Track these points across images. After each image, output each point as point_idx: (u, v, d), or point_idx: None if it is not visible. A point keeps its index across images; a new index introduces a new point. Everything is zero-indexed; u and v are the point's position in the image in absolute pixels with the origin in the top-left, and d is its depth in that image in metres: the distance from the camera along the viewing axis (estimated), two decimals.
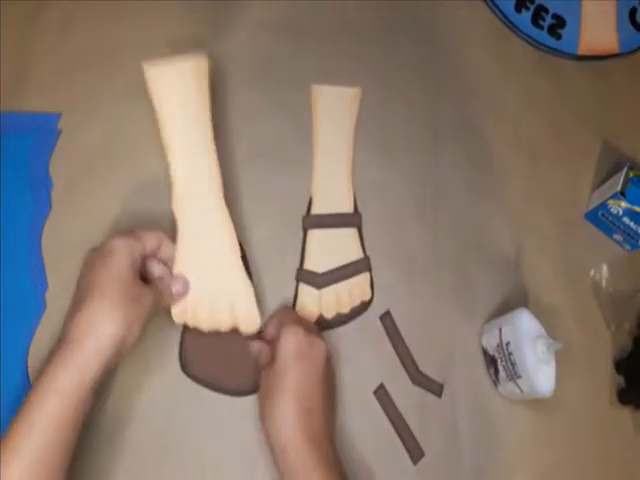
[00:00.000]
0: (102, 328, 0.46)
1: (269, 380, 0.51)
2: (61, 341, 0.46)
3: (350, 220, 0.64)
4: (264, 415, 0.50)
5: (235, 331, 0.55)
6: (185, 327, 0.57)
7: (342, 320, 0.61)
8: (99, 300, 0.47)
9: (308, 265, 0.61)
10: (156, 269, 0.54)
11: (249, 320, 0.55)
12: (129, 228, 0.53)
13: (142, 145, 0.64)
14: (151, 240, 0.53)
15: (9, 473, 0.42)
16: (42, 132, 0.63)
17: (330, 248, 0.62)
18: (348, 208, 0.64)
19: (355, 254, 0.63)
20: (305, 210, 0.64)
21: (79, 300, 0.48)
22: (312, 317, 0.60)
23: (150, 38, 0.67)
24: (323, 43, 0.70)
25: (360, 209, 0.64)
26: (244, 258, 0.57)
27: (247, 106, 0.66)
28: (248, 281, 0.55)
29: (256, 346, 0.53)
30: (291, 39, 0.69)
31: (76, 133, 0.63)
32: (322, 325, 0.60)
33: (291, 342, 0.51)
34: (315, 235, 0.63)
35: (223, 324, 0.55)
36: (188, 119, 0.55)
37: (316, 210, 0.64)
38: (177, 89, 0.55)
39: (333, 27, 0.71)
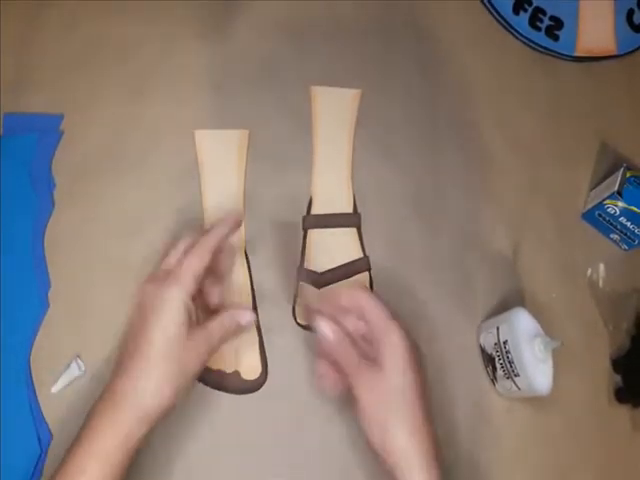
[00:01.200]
0: (147, 400, 0.44)
1: (385, 389, 0.45)
2: (104, 399, 0.45)
3: (350, 220, 0.64)
4: (380, 428, 0.45)
5: (236, 374, 0.57)
6: None
7: None
8: (146, 366, 0.44)
9: (308, 265, 0.62)
10: (215, 297, 0.51)
11: (250, 368, 0.58)
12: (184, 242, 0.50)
13: (144, 145, 0.64)
14: (199, 267, 0.47)
15: None
16: (45, 133, 0.63)
17: (330, 248, 0.63)
18: (348, 208, 0.65)
19: (355, 254, 0.63)
20: (305, 210, 0.64)
21: (127, 357, 0.45)
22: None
23: (151, 38, 0.68)
24: (323, 43, 0.70)
25: (360, 209, 0.65)
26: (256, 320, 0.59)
27: (247, 106, 0.67)
28: (254, 332, 0.58)
29: (331, 328, 0.47)
30: (291, 39, 0.70)
31: (78, 134, 0.64)
32: None
33: (406, 348, 0.46)
34: (315, 235, 0.63)
35: (228, 365, 0.58)
36: (225, 179, 0.63)
37: (316, 210, 0.64)
38: (221, 152, 0.64)
39: (333, 28, 0.71)
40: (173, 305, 0.45)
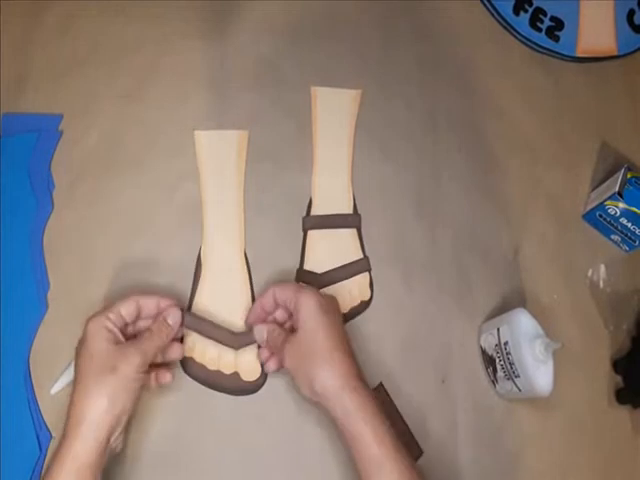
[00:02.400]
0: (90, 414, 0.47)
1: (299, 345, 0.52)
2: (62, 436, 0.47)
3: (349, 221, 0.64)
4: (312, 377, 0.50)
5: (235, 375, 0.57)
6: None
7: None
8: (81, 386, 0.48)
9: (308, 265, 0.62)
10: (142, 324, 0.54)
11: (249, 369, 0.58)
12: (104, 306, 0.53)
13: (143, 145, 0.64)
14: (126, 306, 0.52)
15: None
16: (44, 133, 0.63)
17: (330, 248, 0.63)
18: (347, 209, 0.65)
19: (354, 254, 0.63)
20: (305, 211, 0.64)
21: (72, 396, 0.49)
22: None
23: (151, 38, 0.68)
24: (323, 43, 0.70)
25: (360, 209, 0.65)
26: None
27: (247, 106, 0.66)
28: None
29: (262, 328, 0.55)
30: (291, 39, 0.70)
31: (77, 134, 0.63)
32: None
33: (313, 300, 0.52)
34: (315, 236, 0.63)
35: (226, 368, 0.57)
36: (225, 179, 0.63)
37: (316, 211, 0.64)
38: (221, 152, 0.64)
39: (333, 28, 0.71)
40: (92, 327, 0.50)
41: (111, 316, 0.51)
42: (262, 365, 0.57)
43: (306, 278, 0.61)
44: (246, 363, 0.58)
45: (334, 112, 0.67)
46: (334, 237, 0.63)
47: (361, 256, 0.63)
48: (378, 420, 0.49)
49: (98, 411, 0.47)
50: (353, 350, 0.53)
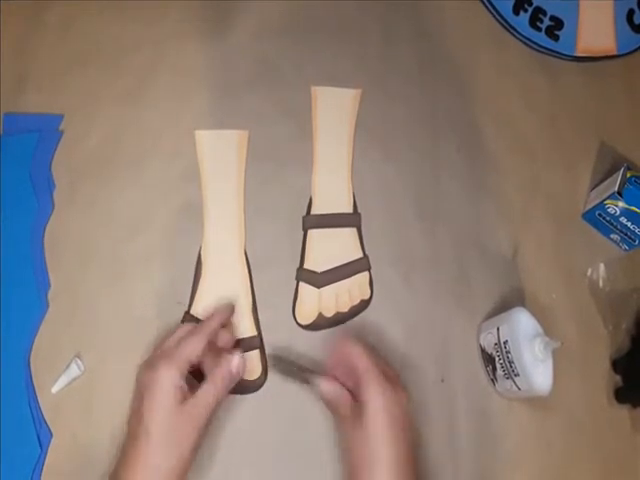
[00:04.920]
0: (156, 471, 0.47)
1: (360, 448, 0.48)
2: (117, 476, 0.47)
3: (350, 220, 0.64)
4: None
5: None
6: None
7: (341, 319, 0.61)
8: (148, 439, 0.47)
9: (308, 265, 0.62)
10: (208, 365, 0.53)
11: (250, 368, 0.58)
12: (174, 341, 0.52)
13: (143, 145, 0.64)
14: (197, 351, 0.51)
15: None
16: (44, 133, 0.63)
17: (330, 248, 0.63)
18: (348, 208, 0.65)
19: (355, 253, 0.63)
20: (305, 210, 0.64)
21: (128, 444, 0.48)
22: (312, 315, 0.60)
23: (151, 38, 0.68)
24: (323, 43, 0.70)
25: (360, 209, 0.65)
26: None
27: (247, 106, 0.66)
28: (255, 332, 0.59)
29: (331, 390, 0.52)
30: (291, 39, 0.70)
31: (78, 134, 0.64)
32: (321, 324, 0.60)
33: (380, 401, 0.48)
34: (315, 235, 0.63)
35: None
36: (225, 179, 0.63)
37: (316, 210, 0.64)
38: (221, 152, 0.64)
39: (333, 27, 0.71)
40: (163, 386, 0.48)
41: (183, 369, 0.49)
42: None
43: (306, 277, 0.61)
44: (246, 362, 0.58)
45: (334, 111, 0.67)
46: (334, 236, 0.63)
47: (361, 255, 0.63)
48: None
49: (170, 468, 0.47)
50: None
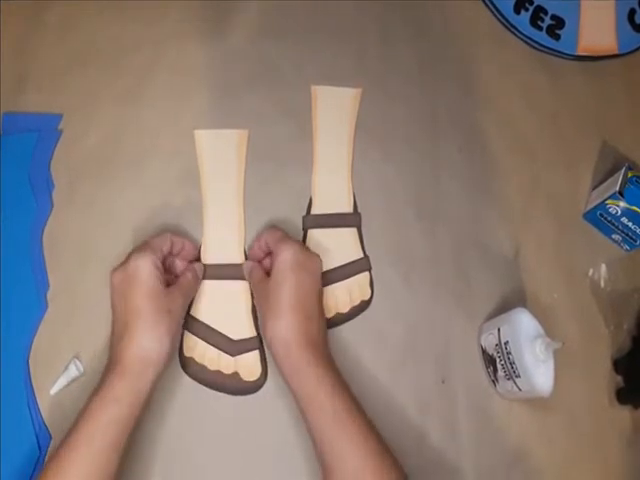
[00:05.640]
0: (151, 350, 0.49)
1: (267, 292, 0.53)
2: (113, 367, 0.49)
3: (350, 220, 0.64)
4: (265, 324, 0.52)
5: (236, 375, 0.58)
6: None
7: (342, 319, 0.61)
8: (141, 323, 0.49)
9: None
10: (178, 265, 0.58)
11: (250, 369, 0.58)
12: (141, 241, 0.55)
13: (143, 145, 0.64)
14: (162, 243, 0.55)
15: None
16: (44, 133, 0.63)
17: (330, 248, 0.62)
18: (348, 208, 0.64)
19: (355, 254, 0.63)
20: (305, 210, 0.64)
21: (122, 326, 0.50)
22: None
23: (151, 38, 0.68)
24: (323, 43, 0.70)
25: (360, 209, 0.65)
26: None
27: (247, 106, 0.66)
28: (254, 333, 0.59)
29: (248, 265, 0.58)
30: (291, 39, 0.70)
31: (77, 133, 0.64)
32: None
33: (289, 255, 0.53)
34: (315, 235, 0.63)
35: (226, 368, 0.58)
36: (225, 178, 0.64)
37: (316, 210, 0.64)
38: (221, 151, 0.64)
39: (333, 27, 0.71)
40: (146, 267, 0.51)
41: (157, 254, 0.53)
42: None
43: None
44: (246, 363, 0.58)
45: (334, 111, 0.67)
46: (334, 236, 0.63)
47: (361, 255, 0.63)
48: (330, 379, 0.50)
49: (164, 349, 0.50)
50: (323, 320, 0.54)
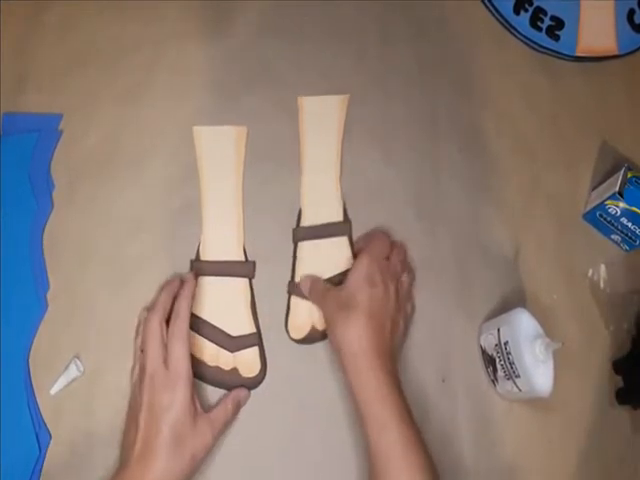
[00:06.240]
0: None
1: (341, 296, 0.55)
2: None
3: (340, 229, 0.63)
4: (336, 324, 0.54)
5: (235, 371, 0.58)
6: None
7: None
8: (159, 456, 0.49)
9: (299, 278, 0.61)
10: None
11: (249, 365, 0.58)
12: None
13: (143, 145, 0.64)
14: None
15: None
16: (44, 133, 0.63)
17: (321, 259, 0.62)
18: (338, 217, 0.63)
19: (346, 263, 0.61)
20: (295, 222, 0.63)
21: (142, 444, 0.49)
22: (305, 329, 0.60)
23: (151, 38, 0.68)
24: (322, 43, 0.70)
25: (360, 209, 0.64)
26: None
27: (246, 106, 0.66)
28: (254, 329, 0.59)
29: (307, 279, 0.60)
30: (291, 39, 0.70)
31: (77, 133, 0.64)
32: (315, 337, 0.60)
33: (363, 268, 0.55)
34: (305, 247, 0.62)
35: (225, 364, 0.58)
36: (223, 175, 0.63)
37: (306, 221, 0.63)
38: (219, 148, 0.64)
39: (333, 27, 0.71)
40: (185, 401, 0.50)
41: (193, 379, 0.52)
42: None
43: (298, 290, 0.60)
44: (245, 359, 0.58)
45: (321, 120, 0.66)
46: (325, 247, 0.62)
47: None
48: (389, 387, 0.51)
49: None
50: (401, 335, 0.57)
